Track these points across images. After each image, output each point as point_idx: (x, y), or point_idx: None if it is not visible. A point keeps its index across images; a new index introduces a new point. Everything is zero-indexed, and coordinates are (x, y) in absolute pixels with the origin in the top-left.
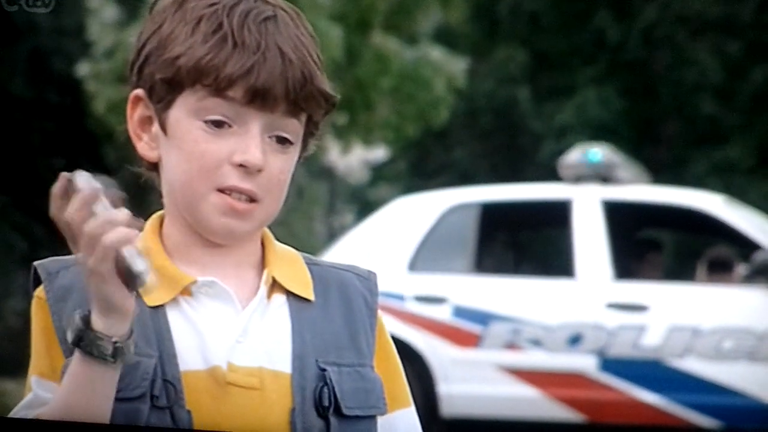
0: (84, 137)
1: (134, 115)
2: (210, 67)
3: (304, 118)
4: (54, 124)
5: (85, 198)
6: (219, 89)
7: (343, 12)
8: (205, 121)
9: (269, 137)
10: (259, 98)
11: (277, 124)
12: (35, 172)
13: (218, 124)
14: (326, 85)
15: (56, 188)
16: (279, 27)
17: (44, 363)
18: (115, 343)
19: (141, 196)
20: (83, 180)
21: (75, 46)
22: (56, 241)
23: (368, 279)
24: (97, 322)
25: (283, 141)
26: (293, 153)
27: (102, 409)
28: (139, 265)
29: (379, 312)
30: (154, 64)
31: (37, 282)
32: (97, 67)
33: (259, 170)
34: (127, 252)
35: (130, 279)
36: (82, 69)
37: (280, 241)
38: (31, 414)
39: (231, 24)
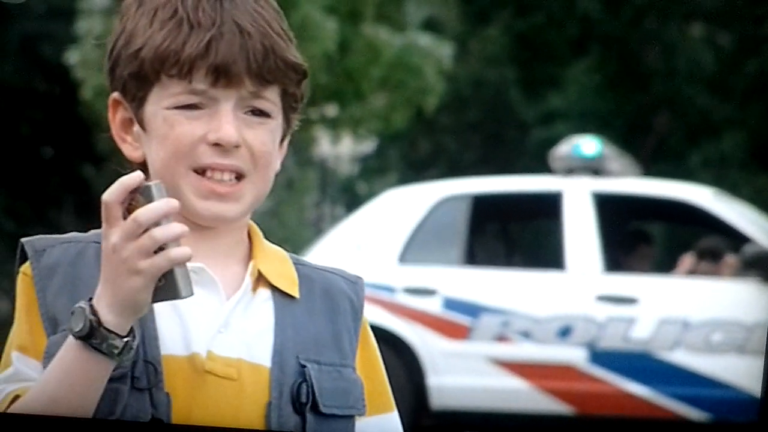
0: (74, 124)
1: (115, 118)
2: (169, 52)
3: (277, 90)
4: (42, 111)
5: (164, 210)
6: (183, 74)
7: (336, 3)
8: (177, 108)
9: (244, 112)
10: (222, 75)
11: (248, 98)
12: (23, 156)
13: (190, 108)
14: (291, 54)
15: (129, 181)
16: (235, 3)
17: (26, 339)
18: (126, 341)
19: None
20: (160, 191)
21: (65, 30)
22: (43, 223)
23: (355, 283)
24: (110, 319)
25: (259, 113)
26: (274, 126)
27: (93, 400)
28: (187, 288)
29: (365, 317)
30: (123, 63)
31: (24, 259)
32: (86, 54)
33: (236, 146)
34: (180, 271)
35: (166, 293)
36: (72, 57)
37: (272, 232)
38: (9, 389)
39: (186, 8)
